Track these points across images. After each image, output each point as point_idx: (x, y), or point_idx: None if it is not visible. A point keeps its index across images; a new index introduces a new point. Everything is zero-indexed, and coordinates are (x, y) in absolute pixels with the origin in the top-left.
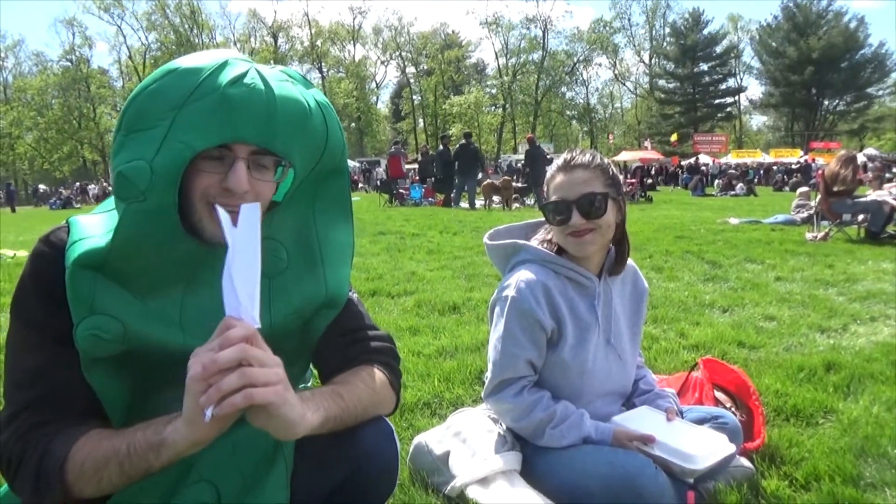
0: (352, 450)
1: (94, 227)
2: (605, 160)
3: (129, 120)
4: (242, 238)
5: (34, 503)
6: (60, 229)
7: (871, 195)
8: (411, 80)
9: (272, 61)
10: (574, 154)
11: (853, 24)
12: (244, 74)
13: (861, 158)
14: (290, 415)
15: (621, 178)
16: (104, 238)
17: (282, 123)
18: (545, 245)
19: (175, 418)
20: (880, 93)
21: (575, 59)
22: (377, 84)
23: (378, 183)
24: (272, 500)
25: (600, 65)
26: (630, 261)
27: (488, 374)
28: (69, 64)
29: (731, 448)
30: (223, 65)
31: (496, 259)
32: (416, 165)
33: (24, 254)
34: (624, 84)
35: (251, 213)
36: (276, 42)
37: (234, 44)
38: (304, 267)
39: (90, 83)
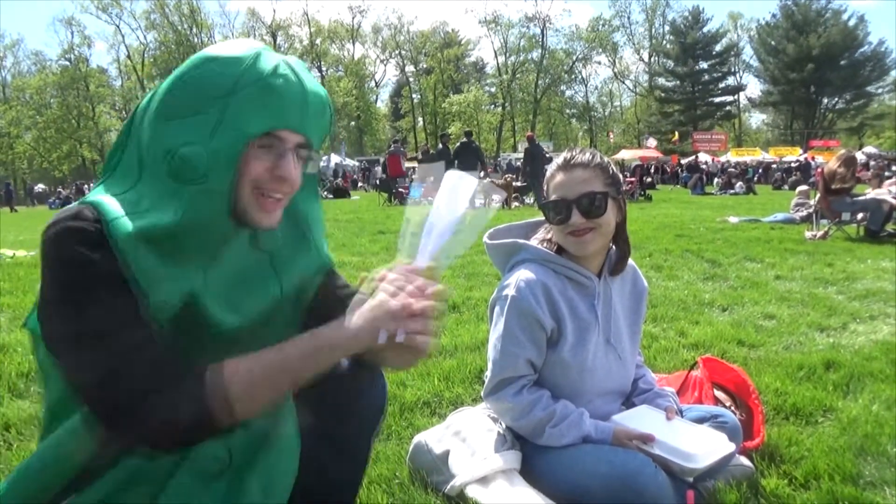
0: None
1: (120, 206)
2: (605, 159)
3: (167, 107)
4: (446, 202)
5: (187, 428)
6: (81, 211)
7: (871, 193)
8: (411, 79)
9: None
10: (574, 153)
11: (853, 22)
12: (279, 66)
13: (861, 157)
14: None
15: (621, 176)
16: (149, 216)
17: (311, 114)
18: (545, 244)
19: (334, 328)
20: (880, 91)
21: (574, 58)
22: (376, 83)
23: (377, 182)
24: (284, 456)
25: (599, 63)
26: (629, 260)
27: (488, 374)
28: (68, 63)
29: (731, 447)
30: (258, 55)
31: (496, 258)
32: (415, 164)
33: (23, 254)
34: (623, 82)
35: (464, 181)
36: (275, 41)
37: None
38: (297, 240)
39: (89, 82)
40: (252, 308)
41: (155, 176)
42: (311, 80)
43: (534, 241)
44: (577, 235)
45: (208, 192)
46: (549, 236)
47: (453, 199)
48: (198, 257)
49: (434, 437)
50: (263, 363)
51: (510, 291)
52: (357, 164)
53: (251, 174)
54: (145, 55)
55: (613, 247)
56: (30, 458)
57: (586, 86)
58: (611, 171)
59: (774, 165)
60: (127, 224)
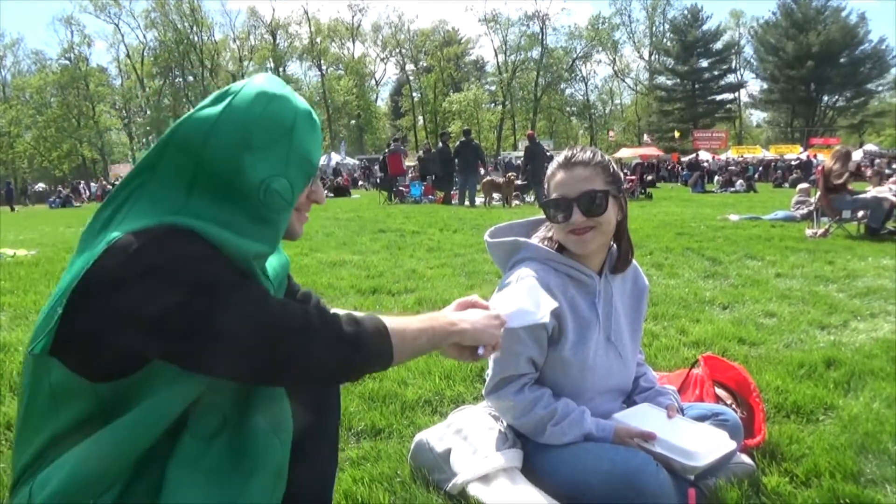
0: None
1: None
2: (606, 157)
3: (253, 137)
4: (531, 291)
5: (355, 364)
6: (173, 231)
7: (871, 191)
8: (411, 78)
9: (271, 59)
10: (575, 151)
11: (853, 20)
12: (301, 102)
13: (859, 154)
14: None
15: (622, 174)
16: (252, 238)
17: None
18: (546, 243)
19: (458, 324)
20: (880, 88)
21: (574, 56)
22: (377, 81)
23: (377, 180)
24: (280, 401)
25: (600, 61)
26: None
27: (489, 372)
28: (67, 62)
29: (732, 445)
30: (290, 92)
31: (496, 256)
32: (415, 162)
33: (24, 253)
34: (623, 80)
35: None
36: (274, 40)
37: (234, 41)
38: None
39: (89, 81)
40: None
41: (244, 201)
42: None
43: (535, 240)
44: (578, 234)
45: (287, 219)
46: (550, 234)
47: (534, 294)
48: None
49: (435, 436)
50: (413, 327)
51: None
52: (357, 162)
53: (299, 199)
54: (145, 54)
55: (615, 245)
56: (70, 460)
57: (587, 84)
58: (612, 170)
59: (773, 164)
60: (244, 244)
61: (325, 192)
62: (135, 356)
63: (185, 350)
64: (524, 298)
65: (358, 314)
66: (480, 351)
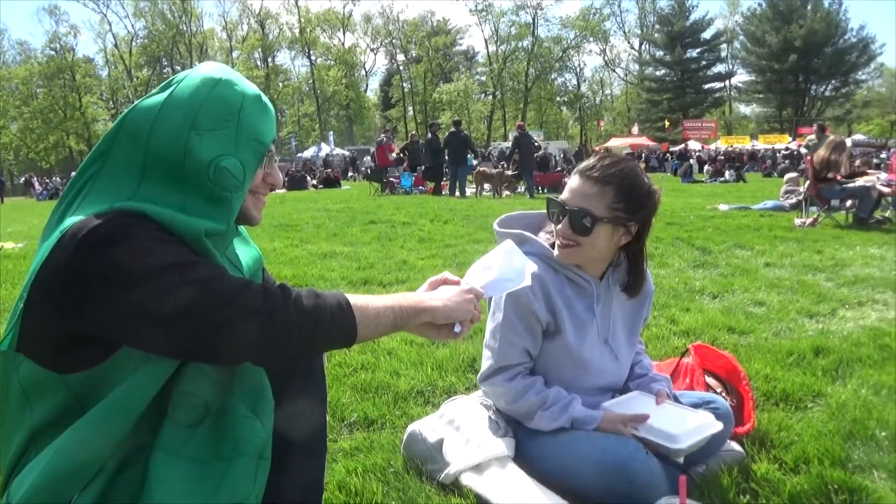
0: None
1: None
2: (633, 179)
3: (195, 121)
4: (503, 261)
5: (318, 341)
6: (123, 216)
7: (860, 181)
8: (401, 68)
9: (260, 49)
10: (600, 162)
11: (834, 9)
12: (255, 87)
13: (848, 143)
14: None
15: (654, 197)
16: (205, 217)
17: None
18: (550, 238)
19: (426, 302)
20: (866, 77)
21: (565, 45)
22: (366, 72)
23: (367, 171)
24: (255, 380)
25: (590, 52)
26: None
27: (485, 360)
28: (53, 53)
29: (717, 426)
30: (239, 77)
31: None
32: (397, 154)
33: (11, 245)
34: (614, 70)
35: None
36: (263, 29)
37: (224, 31)
38: (238, 236)
39: (75, 72)
40: None
41: (193, 182)
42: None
43: (541, 235)
44: (563, 245)
45: (241, 198)
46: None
47: (510, 259)
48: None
49: (428, 426)
50: (377, 305)
51: None
52: (347, 153)
53: (254, 182)
54: (133, 44)
55: (626, 264)
56: (49, 454)
57: (577, 74)
58: (630, 195)
59: (760, 154)
60: (194, 222)
61: (315, 182)
62: (98, 345)
63: (142, 333)
64: (501, 265)
65: (320, 290)
66: (457, 328)
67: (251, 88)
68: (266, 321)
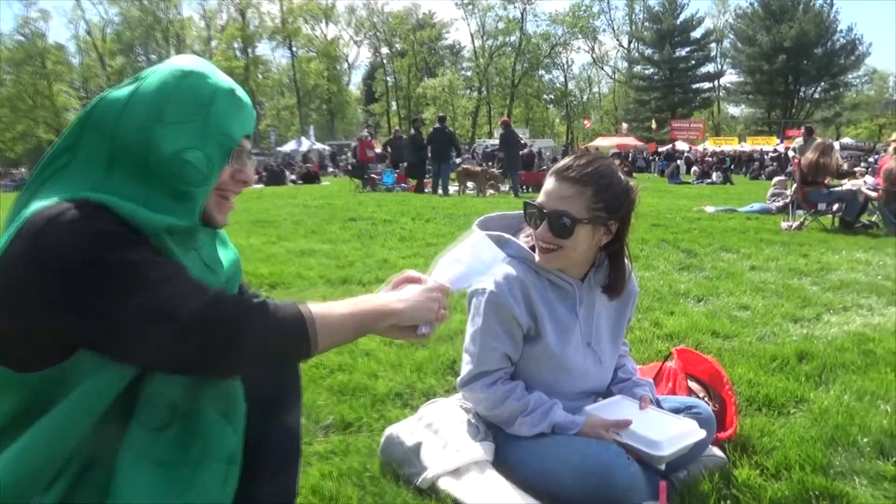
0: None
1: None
2: (610, 178)
3: (161, 113)
4: (471, 253)
5: (275, 352)
6: (84, 206)
7: (847, 184)
8: (384, 62)
9: (240, 39)
10: (576, 162)
11: (825, 10)
12: (230, 81)
13: (836, 147)
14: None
15: (632, 197)
16: (169, 213)
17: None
18: (531, 241)
19: (389, 304)
20: (856, 80)
21: (553, 42)
22: (349, 65)
23: (349, 167)
24: (229, 387)
25: (579, 49)
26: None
27: (464, 364)
28: (23, 38)
29: (700, 434)
30: (213, 70)
31: None
32: (379, 150)
33: None
34: (602, 68)
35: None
36: (243, 18)
37: (202, 19)
38: (212, 237)
39: (46, 59)
40: None
41: (157, 177)
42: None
43: (521, 237)
44: (543, 250)
45: (205, 193)
46: None
47: (479, 251)
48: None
49: (406, 430)
50: (336, 313)
51: (489, 286)
52: (328, 148)
53: (220, 180)
54: (106, 31)
55: (608, 264)
56: (7, 456)
57: (564, 71)
58: (608, 194)
59: (747, 156)
60: (155, 217)
61: (294, 178)
62: (54, 343)
63: (93, 333)
64: (470, 258)
65: (278, 301)
66: (423, 330)
67: (225, 82)
68: (209, 332)
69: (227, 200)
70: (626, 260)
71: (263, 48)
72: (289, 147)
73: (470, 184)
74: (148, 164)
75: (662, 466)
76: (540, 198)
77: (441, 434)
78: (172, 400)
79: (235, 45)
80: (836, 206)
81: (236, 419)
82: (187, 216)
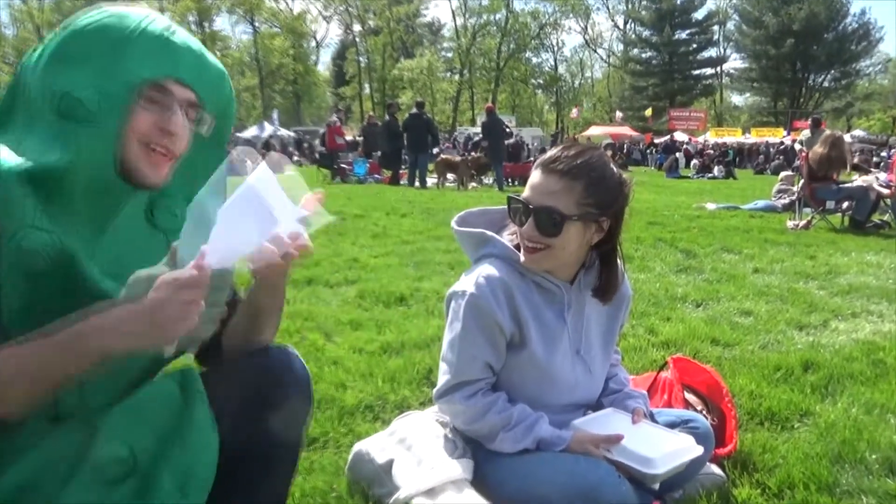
0: (263, 364)
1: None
2: (601, 171)
3: (62, 53)
4: (251, 193)
5: None
6: None
7: (857, 180)
8: (357, 40)
9: (195, 11)
10: (564, 153)
11: None
12: (170, 26)
13: (847, 140)
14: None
15: (625, 191)
16: (34, 156)
17: (207, 73)
18: (516, 238)
19: (86, 333)
20: (868, 69)
21: (543, 21)
22: (318, 43)
23: (316, 156)
24: (198, 449)
25: (570, 29)
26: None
27: (441, 374)
28: None
29: (697, 451)
30: (151, 17)
31: (465, 246)
32: (350, 137)
33: None
34: (595, 51)
35: (268, 180)
36: None
37: None
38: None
39: None
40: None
41: (41, 119)
42: (210, 55)
43: (505, 234)
44: (529, 249)
45: (96, 135)
46: None
47: (254, 203)
48: (89, 219)
49: (377, 446)
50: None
51: (469, 288)
52: (293, 135)
53: (139, 127)
54: (44, 1)
55: (599, 266)
56: None
57: (555, 53)
58: (600, 188)
59: (752, 148)
60: (7, 161)
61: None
62: None
63: None
64: (238, 213)
65: None
66: (167, 349)
67: (157, 25)
68: None
69: (155, 153)
70: (618, 261)
71: (222, 22)
72: (250, 133)
73: (450, 176)
74: (41, 103)
75: (656, 486)
76: (525, 192)
77: (415, 450)
78: (131, 447)
79: (191, 19)
80: (845, 204)
81: (195, 494)
82: (59, 152)
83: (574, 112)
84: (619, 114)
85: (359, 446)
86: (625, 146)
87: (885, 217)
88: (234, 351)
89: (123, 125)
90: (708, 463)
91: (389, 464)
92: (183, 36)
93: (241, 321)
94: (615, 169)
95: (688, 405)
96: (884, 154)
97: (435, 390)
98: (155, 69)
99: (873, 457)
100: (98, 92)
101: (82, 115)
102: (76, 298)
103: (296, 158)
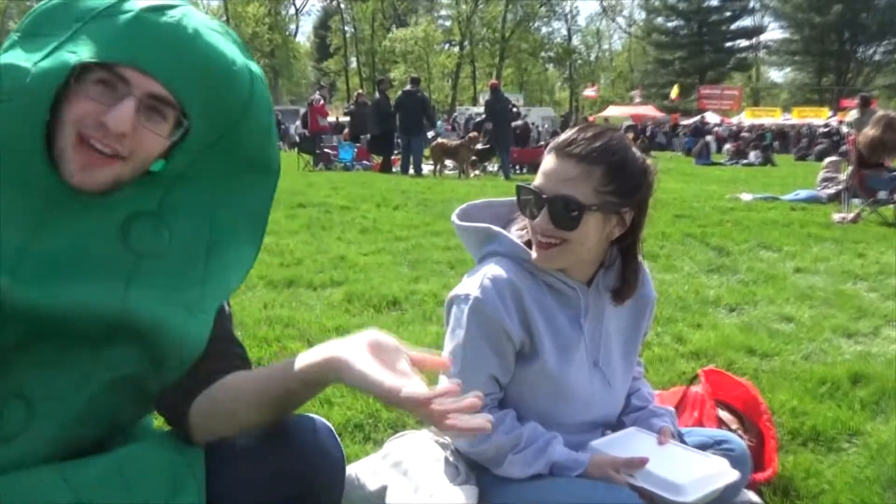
0: (290, 453)
1: None
2: (623, 154)
3: (32, 22)
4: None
5: None
6: None
7: None
8: (342, 6)
9: None
10: (580, 135)
11: None
12: (171, 6)
13: None
14: None
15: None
16: None
17: (190, 65)
18: (526, 234)
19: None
20: None
21: None
22: (297, 10)
23: (297, 140)
24: None
25: None
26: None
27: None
28: None
29: (732, 476)
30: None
31: (468, 242)
32: (334, 118)
33: None
34: (614, 20)
35: None
36: None
37: None
38: (185, 261)
39: None
40: (69, 295)
41: None
42: (216, 38)
43: (514, 230)
44: (542, 245)
45: (9, 114)
46: None
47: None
48: (8, 211)
49: (368, 470)
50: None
51: (473, 291)
52: None
53: (73, 114)
54: None
55: (620, 264)
56: None
57: (568, 23)
58: (621, 174)
59: (795, 130)
60: None
61: None
62: None
63: None
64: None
65: None
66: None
67: (138, 5)
68: None
69: (91, 150)
70: (639, 257)
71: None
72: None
73: (449, 162)
74: None
75: None
76: (537, 180)
77: (412, 475)
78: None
79: None
80: None
81: None
82: None
83: (591, 90)
84: (637, 93)
85: (348, 470)
86: (647, 128)
87: None
88: (237, 425)
89: (61, 110)
90: (744, 489)
91: (382, 490)
92: (171, 15)
93: (256, 399)
94: (638, 153)
95: (721, 424)
96: None
97: None
98: (101, 52)
99: None
100: (32, 68)
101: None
102: None
103: None
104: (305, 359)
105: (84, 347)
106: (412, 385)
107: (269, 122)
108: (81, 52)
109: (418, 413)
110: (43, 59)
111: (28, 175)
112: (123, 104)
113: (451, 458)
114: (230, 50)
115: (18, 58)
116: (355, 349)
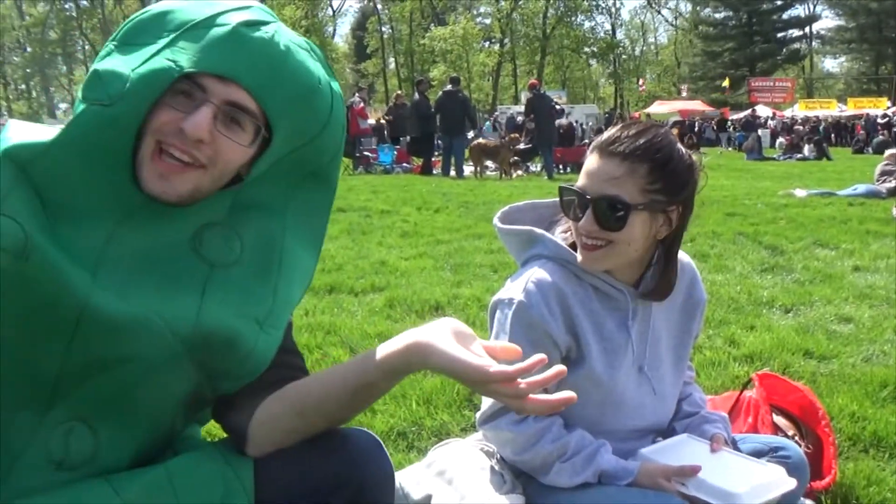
0: (343, 461)
1: (37, 131)
2: (668, 151)
3: (128, 32)
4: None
5: None
6: None
7: None
8: (379, 7)
9: None
10: (624, 133)
11: None
12: (265, 22)
13: None
14: None
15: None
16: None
17: (281, 80)
18: (570, 236)
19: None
20: None
21: None
22: (334, 11)
23: None
24: None
25: None
26: (687, 259)
27: (484, 397)
28: None
29: (789, 484)
30: (245, 7)
31: (510, 246)
32: (374, 121)
33: None
34: (659, 12)
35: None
36: None
37: None
38: (256, 272)
39: None
40: (146, 304)
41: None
42: (304, 56)
43: (558, 232)
44: (588, 247)
45: (106, 116)
46: None
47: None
48: (92, 214)
49: (412, 479)
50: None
51: (516, 295)
52: None
53: (155, 122)
54: None
55: (655, 266)
56: None
57: (612, 16)
58: (667, 172)
59: (852, 122)
60: (9, 141)
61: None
62: None
63: None
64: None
65: None
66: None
67: (231, 15)
68: None
69: (167, 156)
70: (678, 255)
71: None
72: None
73: (489, 163)
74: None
75: None
76: (580, 180)
77: (456, 484)
78: None
79: None
80: None
81: None
82: (59, 135)
83: (641, 84)
84: (683, 88)
85: None
86: (696, 124)
87: None
88: (298, 432)
89: (150, 119)
90: (802, 498)
91: (427, 500)
92: (265, 31)
93: (324, 399)
94: (683, 149)
95: (777, 430)
96: None
97: (478, 414)
98: (200, 63)
99: None
100: (128, 77)
101: (97, 94)
102: (44, 312)
103: None
104: (384, 349)
105: (148, 372)
106: (497, 364)
107: (341, 141)
108: (180, 60)
109: (503, 392)
110: (140, 65)
111: (112, 181)
112: (201, 111)
113: (496, 467)
114: (316, 67)
115: (117, 65)
116: (440, 333)
